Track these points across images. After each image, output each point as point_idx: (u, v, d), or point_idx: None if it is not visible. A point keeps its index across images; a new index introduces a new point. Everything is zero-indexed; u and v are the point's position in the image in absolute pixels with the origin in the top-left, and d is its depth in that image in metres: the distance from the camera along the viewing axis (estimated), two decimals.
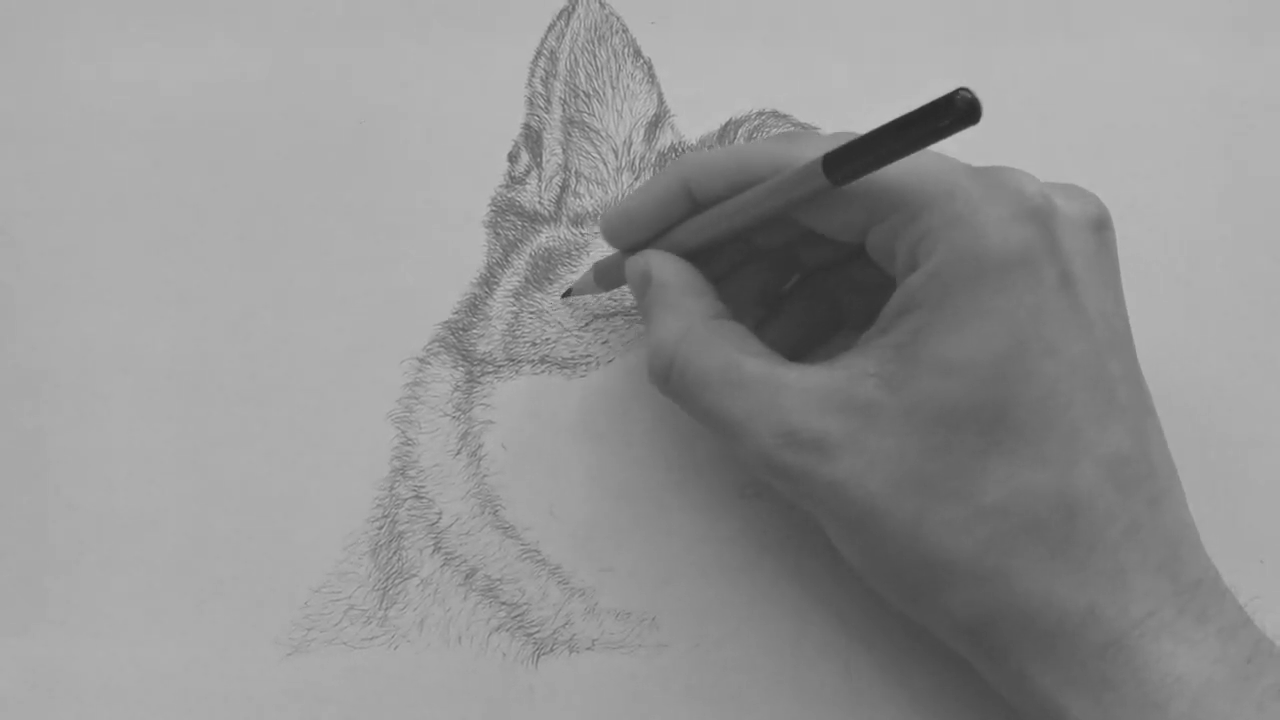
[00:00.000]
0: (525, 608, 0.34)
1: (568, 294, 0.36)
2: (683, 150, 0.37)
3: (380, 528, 0.35)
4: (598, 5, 0.38)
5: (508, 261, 0.37)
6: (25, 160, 0.38)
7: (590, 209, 0.37)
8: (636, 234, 0.32)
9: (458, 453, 0.35)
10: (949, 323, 0.26)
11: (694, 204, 0.31)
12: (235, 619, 0.34)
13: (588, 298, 0.36)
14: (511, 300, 0.36)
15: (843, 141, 0.26)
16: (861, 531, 0.27)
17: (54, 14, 0.39)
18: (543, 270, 0.37)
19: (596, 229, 0.37)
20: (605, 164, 0.37)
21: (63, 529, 0.35)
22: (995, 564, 0.26)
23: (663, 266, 0.31)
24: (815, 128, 0.37)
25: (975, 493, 0.26)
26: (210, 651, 0.34)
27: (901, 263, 0.27)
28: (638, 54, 0.38)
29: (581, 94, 0.38)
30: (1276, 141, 0.38)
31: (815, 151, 0.26)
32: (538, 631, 0.34)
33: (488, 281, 0.37)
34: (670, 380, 0.30)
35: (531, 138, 0.38)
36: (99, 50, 0.39)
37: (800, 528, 0.34)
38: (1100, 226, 0.28)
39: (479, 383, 0.36)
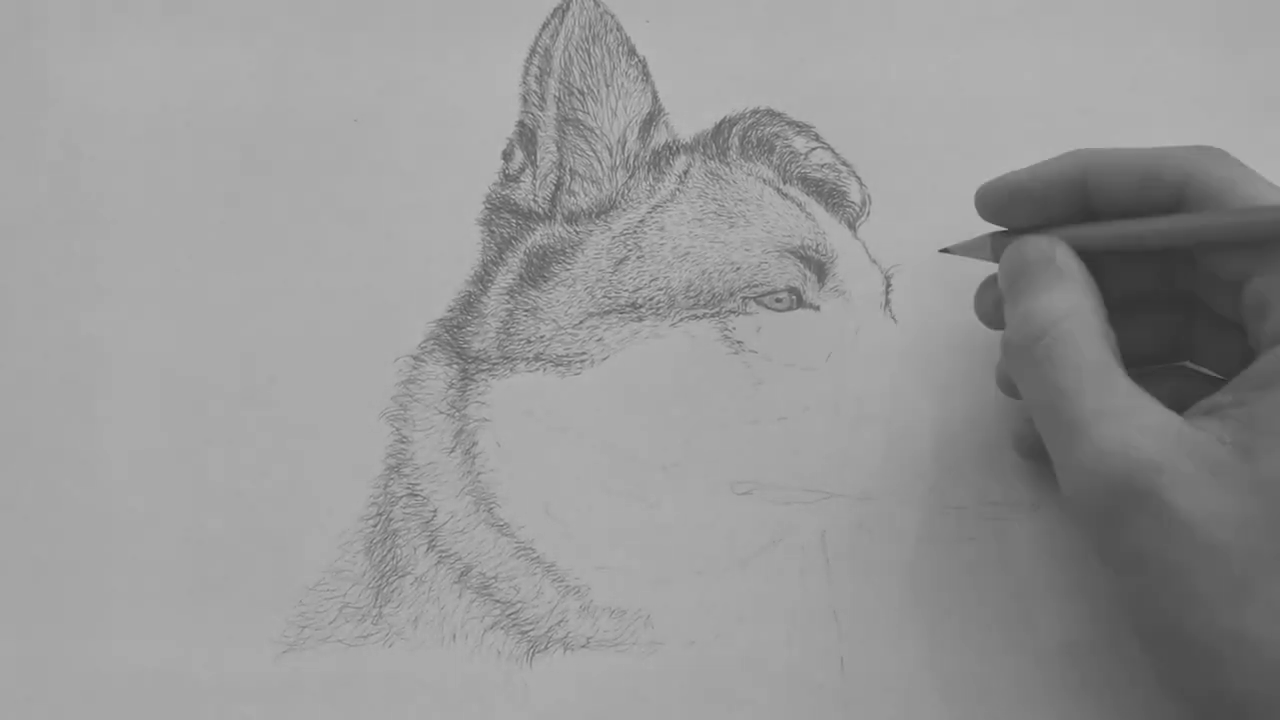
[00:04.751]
0: (519, 606, 0.34)
1: (946, 250, 0.34)
2: (676, 147, 0.37)
3: (375, 525, 0.35)
4: (592, 3, 0.38)
5: (502, 259, 0.37)
6: (20, 160, 0.38)
7: (585, 207, 0.37)
8: (1017, 210, 0.31)
9: (452, 450, 0.35)
10: None
11: (1083, 198, 0.30)
12: (230, 617, 0.34)
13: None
14: (506, 298, 0.36)
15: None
16: (1172, 583, 0.25)
17: (51, 15, 0.39)
18: (537, 268, 0.37)
19: (590, 227, 0.37)
20: (600, 162, 0.37)
21: (58, 528, 0.35)
22: None
23: (1069, 256, 0.30)
24: (810, 126, 0.37)
25: None
26: (206, 649, 0.34)
27: (1272, 325, 0.27)
28: (632, 52, 0.38)
29: (576, 92, 0.38)
30: (1273, 141, 0.38)
31: (1238, 171, 0.28)
32: (532, 629, 0.34)
33: (482, 279, 0.37)
34: (1036, 349, 0.28)
35: (526, 136, 0.38)
36: (95, 51, 0.39)
37: (794, 526, 0.34)
38: None
39: (473, 380, 0.36)
